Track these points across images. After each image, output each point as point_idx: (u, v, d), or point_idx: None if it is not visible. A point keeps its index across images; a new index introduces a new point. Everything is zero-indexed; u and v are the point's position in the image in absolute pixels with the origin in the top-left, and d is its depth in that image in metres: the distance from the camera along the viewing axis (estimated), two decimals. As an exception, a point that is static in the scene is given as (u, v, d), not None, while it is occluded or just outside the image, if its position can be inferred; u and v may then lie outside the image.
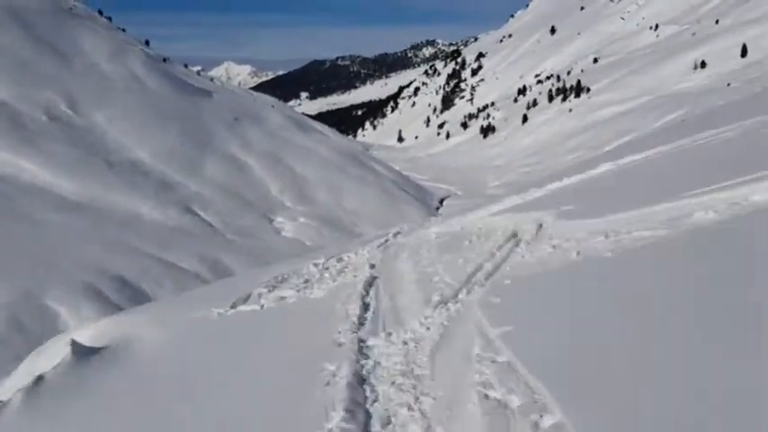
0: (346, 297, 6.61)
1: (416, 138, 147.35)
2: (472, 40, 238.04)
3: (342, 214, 42.76)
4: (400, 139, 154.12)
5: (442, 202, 58.04)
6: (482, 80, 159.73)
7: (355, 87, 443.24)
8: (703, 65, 76.48)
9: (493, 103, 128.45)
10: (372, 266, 8.13)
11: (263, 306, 7.05)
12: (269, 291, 7.57)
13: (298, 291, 7.41)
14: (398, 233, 11.27)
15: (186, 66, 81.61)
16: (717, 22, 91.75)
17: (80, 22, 55.19)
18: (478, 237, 8.72)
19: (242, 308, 7.08)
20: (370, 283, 7.23)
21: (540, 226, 8.00)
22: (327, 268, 8.53)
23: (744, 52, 72.30)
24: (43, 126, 36.79)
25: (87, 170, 34.65)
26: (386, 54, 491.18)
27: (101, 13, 76.34)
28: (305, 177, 46.70)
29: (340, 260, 8.94)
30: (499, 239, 8.08)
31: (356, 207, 44.43)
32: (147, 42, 77.99)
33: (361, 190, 47.70)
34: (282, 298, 7.23)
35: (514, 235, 8.12)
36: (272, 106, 71.48)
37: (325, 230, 38.81)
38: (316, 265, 8.75)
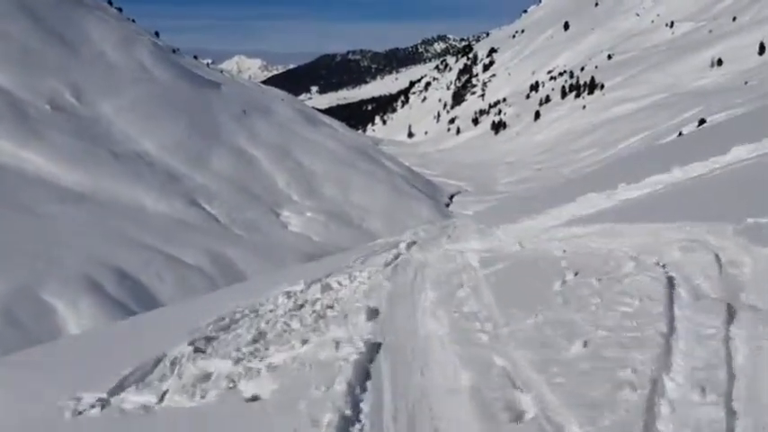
0: (308, 416, 3.14)
1: (426, 133, 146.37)
2: (484, 35, 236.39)
3: (349, 209, 42.03)
4: (410, 135, 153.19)
5: (451, 198, 57.22)
6: (493, 76, 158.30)
7: (366, 82, 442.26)
8: (720, 62, 75.12)
9: (504, 99, 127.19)
10: (373, 314, 4.75)
11: (162, 398, 3.79)
12: (194, 352, 4.43)
13: (236, 361, 4.12)
14: (413, 243, 8.01)
15: (196, 57, 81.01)
16: (734, 19, 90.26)
17: (88, 11, 54.60)
18: (575, 271, 4.52)
19: (128, 396, 3.89)
20: (366, 369, 3.76)
21: (718, 258, 4.13)
22: (303, 305, 5.40)
23: (762, 50, 70.91)
24: (47, 116, 36.22)
25: (92, 161, 34.04)
26: (397, 49, 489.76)
27: (110, 3, 75.84)
28: (313, 171, 45.98)
29: (326, 289, 5.91)
30: (646, 287, 3.87)
31: (364, 202, 43.68)
32: (156, 34, 77.40)
33: (369, 185, 46.93)
34: (205, 378, 3.97)
35: (669, 278, 3.98)
36: (282, 99, 70.80)
37: (332, 225, 38.11)
38: (289, 295, 5.81)
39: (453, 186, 62.73)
